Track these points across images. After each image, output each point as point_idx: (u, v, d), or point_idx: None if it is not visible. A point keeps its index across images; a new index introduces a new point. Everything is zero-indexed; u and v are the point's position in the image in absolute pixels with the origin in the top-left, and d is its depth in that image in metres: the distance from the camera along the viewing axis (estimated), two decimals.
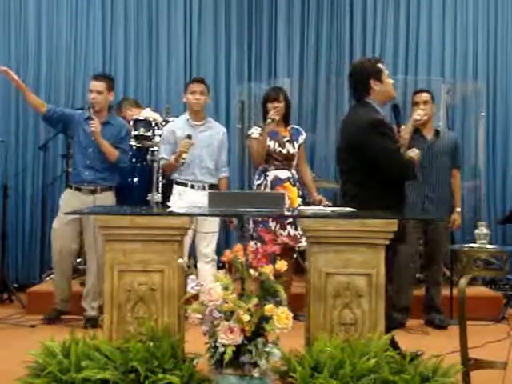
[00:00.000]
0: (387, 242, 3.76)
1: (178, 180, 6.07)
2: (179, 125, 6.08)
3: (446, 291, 6.30)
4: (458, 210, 6.29)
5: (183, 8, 8.12)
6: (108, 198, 6.07)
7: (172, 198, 6.01)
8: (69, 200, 6.06)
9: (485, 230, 4.01)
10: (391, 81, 4.57)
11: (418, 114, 5.86)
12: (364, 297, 3.76)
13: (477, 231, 4.05)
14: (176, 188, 6.07)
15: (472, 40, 8.14)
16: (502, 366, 4.50)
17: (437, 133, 6.19)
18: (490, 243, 4.06)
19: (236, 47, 8.12)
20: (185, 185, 6.06)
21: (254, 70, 8.15)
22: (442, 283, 6.28)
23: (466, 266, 3.97)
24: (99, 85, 6.06)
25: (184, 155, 5.84)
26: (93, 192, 6.03)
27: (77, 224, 6.04)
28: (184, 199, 5.89)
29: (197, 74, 7.91)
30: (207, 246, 6.01)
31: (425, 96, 6.14)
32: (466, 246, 4.12)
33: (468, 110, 7.97)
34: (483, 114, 7.86)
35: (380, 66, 4.51)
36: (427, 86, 7.79)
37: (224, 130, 6.33)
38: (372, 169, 4.33)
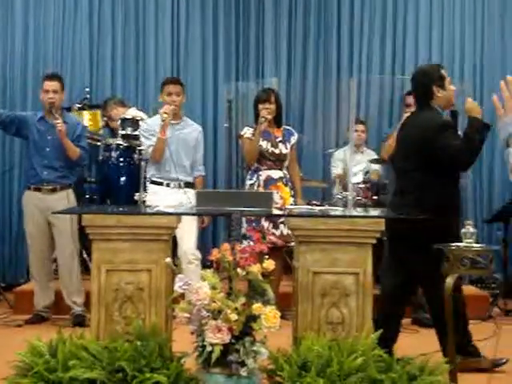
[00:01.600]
0: (374, 241, 3.77)
1: (154, 179, 6.08)
2: (157, 122, 6.07)
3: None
4: None
5: (171, 7, 8.11)
6: (69, 196, 6.08)
7: (148, 197, 5.98)
8: (30, 201, 6.09)
9: (471, 229, 4.02)
10: (453, 87, 4.69)
11: None
12: (351, 296, 3.77)
13: (463, 230, 4.06)
14: (151, 187, 6.07)
15: (459, 41, 8.17)
16: (489, 365, 4.53)
17: None
18: (477, 242, 4.07)
19: (223, 46, 8.12)
20: (160, 183, 6.06)
21: (241, 69, 8.16)
22: None
23: (453, 264, 3.99)
24: (55, 84, 6.09)
25: (165, 115, 5.82)
26: (53, 191, 6.05)
27: (46, 224, 6.05)
28: (160, 198, 5.87)
29: (184, 73, 7.92)
30: (188, 244, 5.98)
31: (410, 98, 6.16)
32: (453, 244, 4.13)
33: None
34: None
35: (443, 72, 4.64)
36: None
37: (200, 128, 6.38)
38: (435, 169, 4.44)
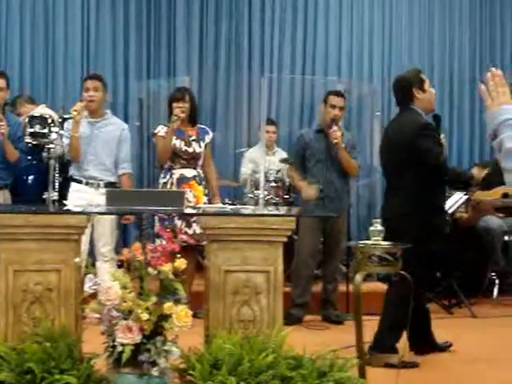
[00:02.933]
0: (285, 239, 3.81)
1: (74, 177, 5.99)
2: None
3: (342, 287, 6.42)
4: None
5: (80, 4, 7.99)
6: (5, 196, 5.97)
7: (69, 195, 5.91)
8: None
9: (379, 227, 4.11)
10: (433, 91, 4.99)
11: (335, 138, 6.06)
12: (262, 294, 3.79)
13: (371, 228, 4.14)
14: (73, 185, 5.99)
15: (367, 41, 8.34)
16: (396, 360, 4.63)
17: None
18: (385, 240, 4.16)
19: (134, 44, 8.06)
20: (80, 182, 5.98)
21: (152, 67, 8.12)
22: (338, 279, 6.41)
23: (361, 262, 4.07)
24: (2, 82, 5.96)
25: (74, 113, 5.74)
26: None
27: None
28: (80, 197, 5.80)
29: (94, 70, 7.81)
30: (105, 245, 5.93)
31: (341, 101, 6.27)
32: (361, 242, 4.21)
33: (364, 110, 8.13)
34: (378, 113, 8.05)
35: (422, 76, 4.94)
36: (324, 85, 7.94)
37: (125, 126, 6.28)
38: (418, 170, 4.67)
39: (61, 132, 5.94)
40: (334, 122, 6.09)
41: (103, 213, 4.87)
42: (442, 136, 4.93)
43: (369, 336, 4.56)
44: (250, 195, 6.93)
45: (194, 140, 6.10)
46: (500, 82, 2.29)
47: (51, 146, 6.16)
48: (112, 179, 6.06)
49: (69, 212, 4.11)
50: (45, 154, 6.36)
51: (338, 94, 6.30)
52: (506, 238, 7.31)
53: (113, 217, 5.93)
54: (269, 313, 3.79)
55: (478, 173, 7.55)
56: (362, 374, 3.98)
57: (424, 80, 4.92)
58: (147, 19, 8.11)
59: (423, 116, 4.88)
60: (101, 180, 5.99)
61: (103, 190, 5.78)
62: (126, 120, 7.85)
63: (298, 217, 4.29)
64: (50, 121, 6.37)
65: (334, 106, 6.17)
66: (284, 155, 7.44)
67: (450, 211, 6.76)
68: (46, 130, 6.33)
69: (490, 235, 7.24)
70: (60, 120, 6.37)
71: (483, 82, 2.33)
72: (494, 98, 2.26)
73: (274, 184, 6.92)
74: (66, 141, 5.92)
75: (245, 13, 8.21)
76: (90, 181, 5.98)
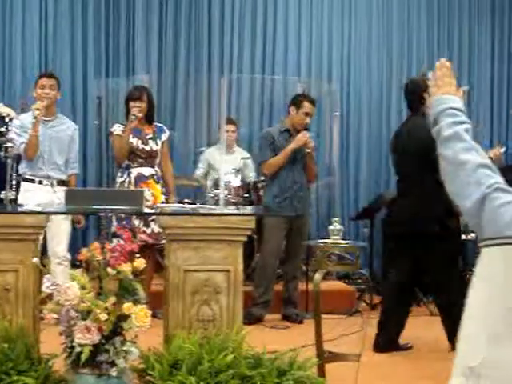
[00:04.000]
0: (245, 239, 3.81)
1: (26, 176, 5.93)
2: (29, 119, 5.92)
3: (301, 286, 6.44)
4: None
5: (39, 0, 7.90)
6: None
7: (20, 195, 5.83)
8: None
9: (338, 226, 4.13)
10: None
11: (309, 148, 6.12)
12: (222, 293, 3.80)
13: (331, 227, 4.16)
14: (24, 185, 5.92)
15: (326, 41, 8.37)
16: (356, 358, 4.66)
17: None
18: (344, 239, 4.18)
19: (93, 42, 7.98)
20: (32, 181, 5.92)
21: (111, 65, 8.04)
22: (299, 278, 6.43)
23: (321, 260, 4.09)
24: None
25: (36, 112, 5.68)
26: None
27: None
28: (32, 196, 5.73)
29: (53, 68, 7.73)
30: (58, 245, 5.87)
31: (314, 109, 6.31)
32: (321, 241, 4.23)
33: (323, 110, 8.16)
34: (337, 113, 8.09)
35: None
36: (283, 85, 7.94)
37: (75, 126, 6.26)
38: (432, 172, 4.59)
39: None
40: (306, 129, 6.16)
41: (63, 212, 4.83)
42: None
43: (328, 335, 4.59)
44: (210, 195, 6.92)
45: (150, 138, 6.09)
46: (447, 73, 2.33)
47: (9, 144, 6.09)
48: (63, 178, 6.03)
49: (27, 212, 4.06)
50: (2, 153, 6.29)
51: (313, 101, 6.32)
52: (463, 237, 7.40)
53: (68, 216, 5.88)
54: (228, 312, 3.80)
55: None
56: (322, 373, 4.00)
57: None
58: (106, 17, 8.04)
59: None
60: (53, 179, 5.94)
61: (56, 189, 5.75)
62: (84, 118, 7.80)
63: (258, 216, 4.30)
64: (7, 119, 6.32)
65: (307, 114, 6.21)
66: (244, 155, 7.45)
67: None
68: (3, 129, 6.27)
69: None
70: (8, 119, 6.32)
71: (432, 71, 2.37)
72: (439, 87, 2.30)
73: (234, 183, 6.92)
74: (19, 139, 5.85)
75: (204, 12, 8.18)
76: (43, 180, 5.93)
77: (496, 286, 1.91)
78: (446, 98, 2.25)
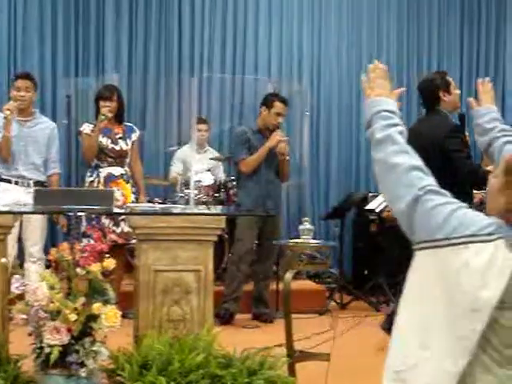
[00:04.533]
0: (215, 238, 3.81)
1: (2, 177, 5.89)
2: (1, 120, 5.87)
3: (272, 285, 6.45)
4: None
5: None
6: None
7: None
8: None
9: (308, 226, 4.14)
10: (458, 91, 5.07)
11: (281, 149, 6.13)
12: (193, 293, 3.79)
13: (301, 227, 4.17)
14: (1, 185, 5.87)
15: (297, 41, 8.39)
16: (326, 357, 4.67)
17: None
18: (314, 238, 4.20)
19: (62, 40, 7.92)
20: (9, 181, 5.88)
21: (81, 64, 7.99)
22: (271, 277, 6.44)
23: (291, 260, 4.10)
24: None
25: (7, 112, 5.63)
26: None
27: None
28: (8, 197, 5.69)
29: (22, 67, 7.66)
30: (33, 246, 5.84)
31: (286, 109, 6.31)
32: (291, 241, 4.24)
33: (293, 109, 8.18)
34: (307, 113, 8.11)
35: (448, 78, 5.01)
36: (254, 84, 7.94)
37: (54, 125, 6.20)
38: (447, 170, 4.63)
39: None
40: (278, 128, 6.16)
41: (30, 212, 4.79)
42: (466, 134, 5.09)
43: (298, 334, 4.59)
44: (180, 194, 6.91)
45: (120, 138, 6.06)
46: (380, 74, 2.34)
47: None
48: (41, 178, 5.98)
49: None
50: None
51: (284, 101, 6.31)
52: None
53: (42, 216, 5.84)
54: (199, 312, 3.80)
55: None
56: (292, 372, 4.01)
57: (450, 82, 4.99)
58: (75, 15, 7.98)
59: (451, 117, 5.01)
60: (30, 179, 5.90)
61: (32, 190, 5.69)
62: (53, 118, 7.71)
63: (229, 216, 4.30)
64: None
65: (279, 114, 6.21)
66: (215, 154, 7.44)
67: (377, 210, 6.86)
68: None
69: None
70: None
71: (365, 73, 2.38)
72: (372, 89, 2.31)
73: (205, 183, 6.91)
74: None
75: (174, 12, 8.15)
76: (20, 180, 5.88)
77: (427, 290, 1.91)
78: (379, 100, 2.26)
